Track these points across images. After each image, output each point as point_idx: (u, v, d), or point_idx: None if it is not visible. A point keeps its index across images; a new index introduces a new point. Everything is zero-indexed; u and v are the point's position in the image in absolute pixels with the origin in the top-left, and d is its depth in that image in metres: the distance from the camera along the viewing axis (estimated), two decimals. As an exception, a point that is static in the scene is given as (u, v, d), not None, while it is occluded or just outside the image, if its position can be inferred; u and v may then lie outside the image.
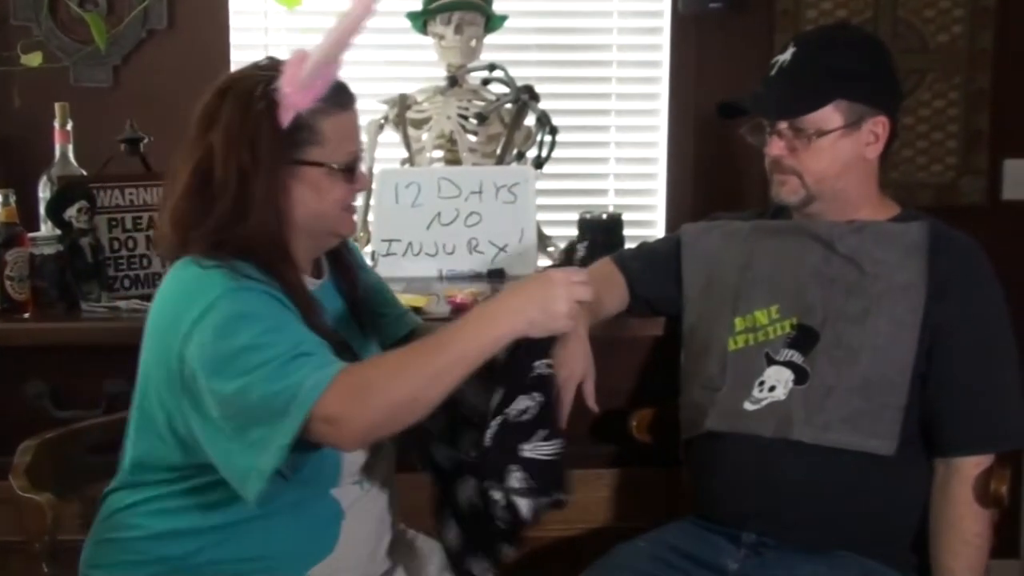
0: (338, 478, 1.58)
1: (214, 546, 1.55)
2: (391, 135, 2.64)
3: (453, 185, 2.47)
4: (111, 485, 1.64)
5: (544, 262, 2.59)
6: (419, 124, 2.63)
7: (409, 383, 1.40)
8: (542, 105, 2.61)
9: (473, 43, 2.60)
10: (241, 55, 2.84)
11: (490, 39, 2.66)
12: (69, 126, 2.36)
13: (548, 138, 2.60)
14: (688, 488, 1.96)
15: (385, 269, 2.36)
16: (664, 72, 2.93)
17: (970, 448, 1.72)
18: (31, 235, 2.21)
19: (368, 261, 2.10)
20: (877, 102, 1.78)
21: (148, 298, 2.19)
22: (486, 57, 2.65)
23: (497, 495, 1.49)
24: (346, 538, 1.60)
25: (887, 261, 1.74)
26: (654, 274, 1.99)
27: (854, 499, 1.72)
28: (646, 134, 2.99)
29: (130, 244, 2.27)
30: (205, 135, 1.52)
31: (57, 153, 2.36)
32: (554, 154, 2.62)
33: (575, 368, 1.69)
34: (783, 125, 1.77)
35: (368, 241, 2.54)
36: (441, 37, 2.58)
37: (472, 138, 2.60)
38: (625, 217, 2.51)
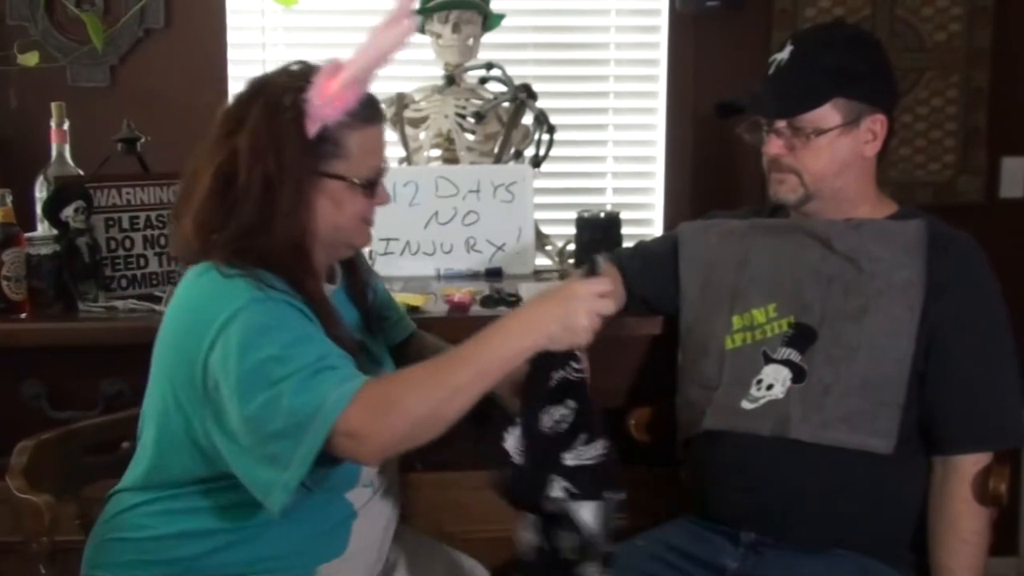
0: (355, 482, 1.59)
1: (226, 548, 1.54)
2: (389, 134, 2.64)
3: (451, 184, 2.47)
4: (118, 485, 1.64)
5: (542, 261, 2.60)
6: (417, 123, 2.63)
7: (431, 399, 1.40)
8: (540, 104, 2.61)
9: (471, 42, 2.60)
10: (238, 54, 2.85)
11: (488, 38, 2.66)
12: (66, 126, 2.35)
13: (546, 137, 2.60)
14: (686, 487, 1.96)
15: (383, 268, 2.36)
16: (662, 71, 2.93)
17: (968, 446, 1.72)
18: (28, 235, 2.21)
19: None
20: (875, 100, 1.78)
21: (145, 298, 2.21)
22: (484, 56, 2.65)
23: (554, 504, 1.46)
24: (357, 538, 1.61)
25: (885, 259, 1.74)
26: (651, 273, 1.99)
27: (852, 498, 1.72)
28: (644, 133, 2.99)
29: (127, 244, 2.26)
30: (230, 137, 1.51)
31: (54, 153, 2.35)
32: (552, 153, 2.62)
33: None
34: (781, 124, 1.77)
35: (366, 240, 2.54)
36: (438, 36, 2.58)
37: (470, 137, 2.60)
38: (623, 216, 2.51)
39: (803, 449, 1.71)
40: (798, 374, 1.74)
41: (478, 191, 2.48)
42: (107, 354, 2.09)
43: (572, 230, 2.52)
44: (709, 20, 2.86)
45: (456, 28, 2.56)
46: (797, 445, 1.71)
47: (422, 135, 2.60)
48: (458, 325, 1.90)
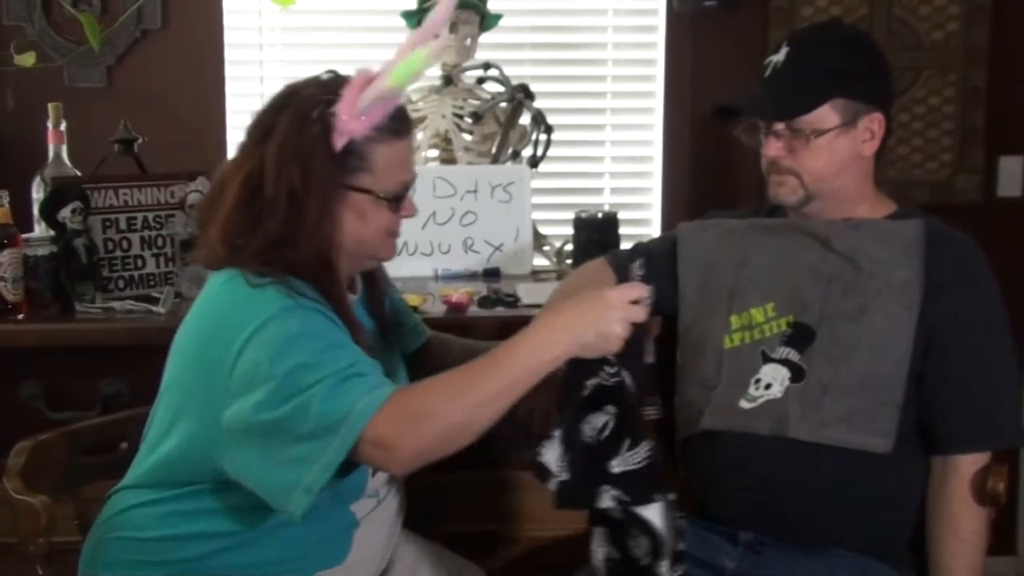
0: (360, 495, 1.58)
1: (227, 550, 1.54)
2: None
3: (448, 184, 2.47)
4: (120, 483, 1.63)
5: (540, 261, 2.60)
6: (414, 123, 2.62)
7: (461, 408, 1.39)
8: (537, 104, 2.61)
9: (468, 42, 2.60)
10: (235, 54, 2.85)
11: (485, 38, 2.66)
12: (63, 126, 2.36)
13: (543, 137, 2.60)
14: (685, 487, 1.95)
15: (380, 269, 2.36)
16: (659, 70, 2.94)
17: (967, 446, 1.72)
18: (25, 236, 2.21)
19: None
20: (872, 99, 1.78)
21: (143, 299, 2.21)
22: (481, 56, 2.65)
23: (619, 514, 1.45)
24: (358, 547, 1.61)
25: (884, 259, 1.74)
26: (650, 273, 1.98)
27: (851, 497, 1.72)
28: (641, 132, 2.99)
29: (124, 245, 2.27)
30: (258, 146, 1.52)
31: (51, 153, 2.35)
32: (549, 153, 2.62)
33: None
34: (780, 126, 1.77)
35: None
36: (436, 36, 2.57)
37: (467, 137, 2.60)
38: (621, 216, 2.51)
39: (801, 448, 1.71)
40: (797, 373, 1.74)
41: (476, 191, 2.48)
42: (105, 355, 2.09)
43: (570, 230, 2.52)
44: (706, 20, 2.87)
45: (453, 28, 2.56)
46: (795, 444, 1.71)
47: (420, 135, 2.60)
48: (456, 326, 1.89)
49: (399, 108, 1.55)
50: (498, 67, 2.62)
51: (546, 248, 2.63)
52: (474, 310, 2.16)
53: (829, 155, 1.76)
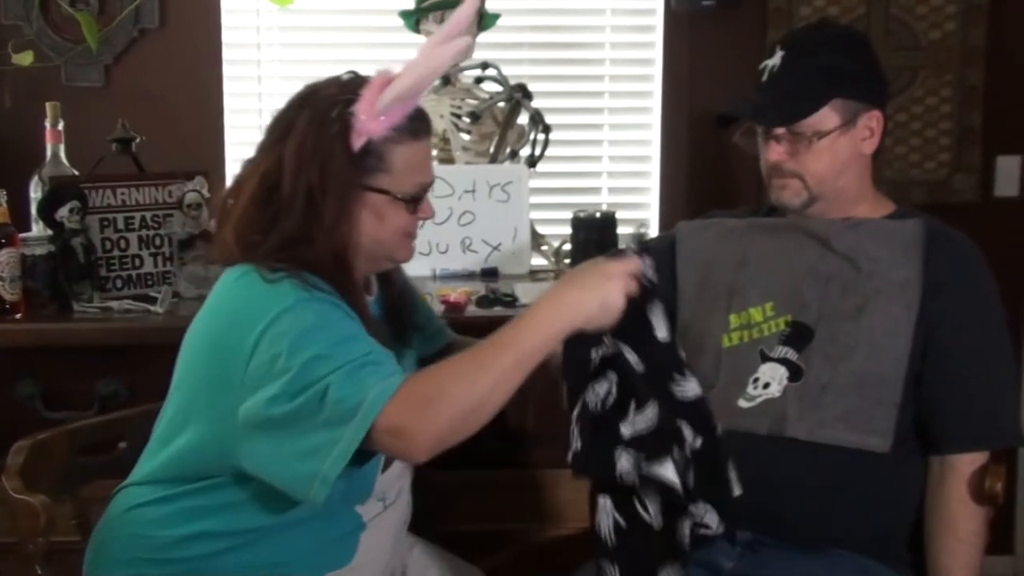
0: (366, 497, 1.58)
1: (233, 550, 1.54)
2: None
3: (446, 184, 2.47)
4: (128, 480, 1.63)
5: (538, 261, 2.60)
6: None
7: (475, 388, 1.38)
8: (535, 103, 2.61)
9: (466, 41, 2.60)
10: (233, 54, 2.85)
11: (483, 37, 2.66)
12: (60, 126, 2.35)
13: (541, 136, 2.60)
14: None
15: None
16: (657, 70, 2.93)
17: (965, 446, 1.72)
18: (23, 235, 2.21)
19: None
20: (870, 97, 1.78)
21: (140, 299, 2.21)
22: (479, 56, 2.65)
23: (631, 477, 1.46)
24: (364, 549, 1.61)
25: (883, 258, 1.74)
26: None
27: (849, 496, 1.72)
28: (639, 132, 2.99)
29: (122, 244, 2.26)
30: (276, 145, 1.52)
31: (48, 153, 2.35)
32: (547, 153, 2.62)
33: None
34: (780, 130, 1.77)
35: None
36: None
37: (465, 137, 2.60)
38: (619, 215, 2.51)
39: (800, 448, 1.71)
40: (795, 373, 1.74)
41: (474, 191, 2.48)
42: (102, 354, 2.09)
43: (568, 230, 2.51)
44: (704, 19, 2.87)
45: (451, 28, 2.56)
46: (794, 444, 1.71)
47: (418, 135, 2.60)
48: (453, 325, 1.89)
49: (418, 109, 1.55)
50: (496, 67, 2.62)
51: (544, 248, 2.63)
52: (472, 310, 2.16)
53: (831, 156, 1.76)
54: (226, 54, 2.83)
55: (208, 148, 2.75)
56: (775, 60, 1.79)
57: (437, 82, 2.61)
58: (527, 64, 2.90)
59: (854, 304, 1.73)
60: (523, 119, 2.61)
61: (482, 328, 2.04)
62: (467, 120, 2.58)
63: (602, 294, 1.43)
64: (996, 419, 1.74)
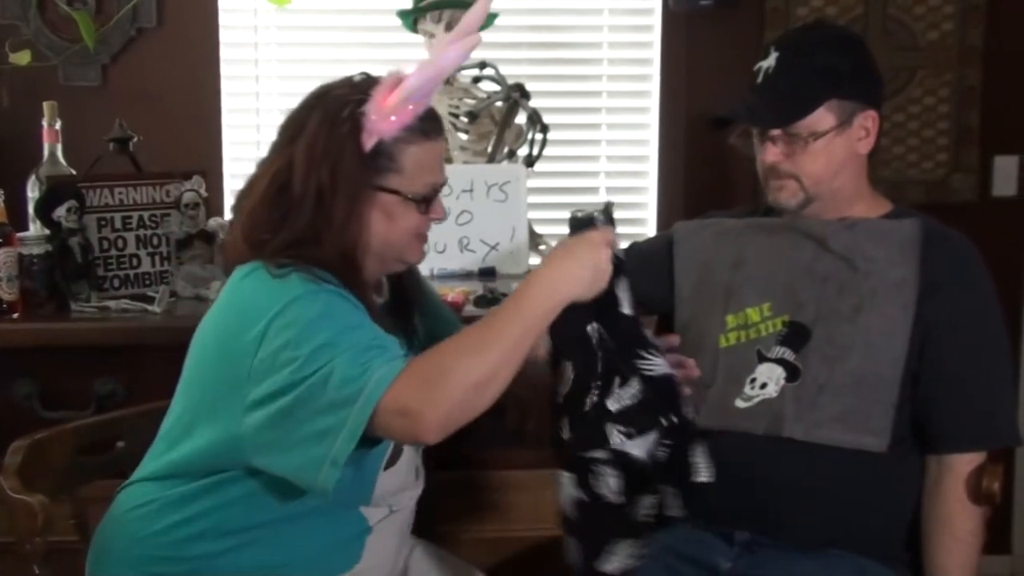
0: (369, 498, 1.57)
1: (237, 549, 1.54)
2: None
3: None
4: (133, 477, 1.63)
5: (536, 260, 2.59)
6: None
7: (481, 362, 1.38)
8: (533, 103, 2.61)
9: (464, 41, 2.60)
10: (231, 53, 2.84)
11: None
12: (58, 125, 2.35)
13: (539, 136, 2.60)
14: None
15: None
16: (655, 70, 2.94)
17: (963, 445, 1.72)
18: (20, 235, 2.20)
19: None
20: (865, 97, 1.79)
21: (138, 298, 2.21)
22: (477, 55, 2.63)
23: (603, 454, 1.49)
24: (370, 553, 1.60)
25: (879, 258, 1.74)
26: (646, 273, 1.98)
27: (846, 496, 1.72)
28: (637, 132, 2.99)
29: (120, 244, 2.26)
30: (288, 145, 1.52)
31: (46, 152, 2.35)
32: (545, 152, 2.62)
33: None
34: (776, 131, 1.77)
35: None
36: (431, 35, 2.58)
37: (463, 136, 2.60)
38: (616, 215, 2.50)
39: (797, 448, 1.71)
40: (792, 373, 1.74)
41: (471, 191, 2.48)
42: (100, 354, 2.09)
43: (565, 230, 2.51)
44: (702, 19, 2.87)
45: (449, 27, 2.55)
46: (791, 444, 1.72)
47: (415, 134, 2.60)
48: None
49: (429, 109, 1.55)
50: (494, 66, 2.62)
51: (542, 247, 2.63)
52: (470, 309, 2.16)
53: (827, 157, 1.76)
54: (224, 54, 2.83)
55: (206, 148, 2.75)
56: (770, 61, 1.79)
57: (435, 82, 2.62)
58: (525, 64, 2.89)
59: (851, 304, 1.73)
60: (521, 119, 2.61)
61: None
62: (465, 119, 2.58)
63: (594, 260, 1.48)
64: (993, 419, 1.74)
